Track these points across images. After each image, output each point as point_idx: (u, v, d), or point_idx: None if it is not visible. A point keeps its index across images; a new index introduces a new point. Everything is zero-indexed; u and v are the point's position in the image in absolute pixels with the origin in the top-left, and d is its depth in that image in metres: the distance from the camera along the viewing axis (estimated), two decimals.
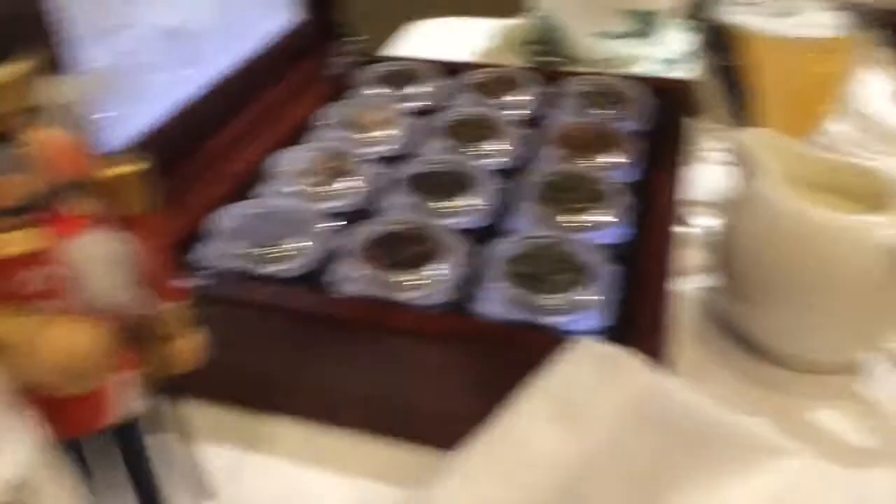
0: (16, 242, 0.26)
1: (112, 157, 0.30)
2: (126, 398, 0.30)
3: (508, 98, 0.67)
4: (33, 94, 0.25)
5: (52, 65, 0.39)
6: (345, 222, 0.52)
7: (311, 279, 0.47)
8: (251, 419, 0.48)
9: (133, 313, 0.28)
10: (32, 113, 0.25)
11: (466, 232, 0.51)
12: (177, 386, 0.34)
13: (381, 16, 0.96)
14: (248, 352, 0.46)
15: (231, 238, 0.48)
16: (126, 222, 0.30)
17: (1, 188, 0.25)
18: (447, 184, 0.54)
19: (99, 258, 0.27)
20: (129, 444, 0.32)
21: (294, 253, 0.48)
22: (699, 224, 0.60)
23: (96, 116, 0.43)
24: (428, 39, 1.03)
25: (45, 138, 0.25)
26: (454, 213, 0.52)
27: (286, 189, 0.54)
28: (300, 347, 0.45)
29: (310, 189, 0.54)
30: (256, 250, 0.47)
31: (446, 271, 0.46)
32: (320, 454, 0.46)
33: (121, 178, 0.30)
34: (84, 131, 0.29)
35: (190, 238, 0.49)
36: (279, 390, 0.47)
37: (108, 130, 0.44)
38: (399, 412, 0.46)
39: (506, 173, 0.57)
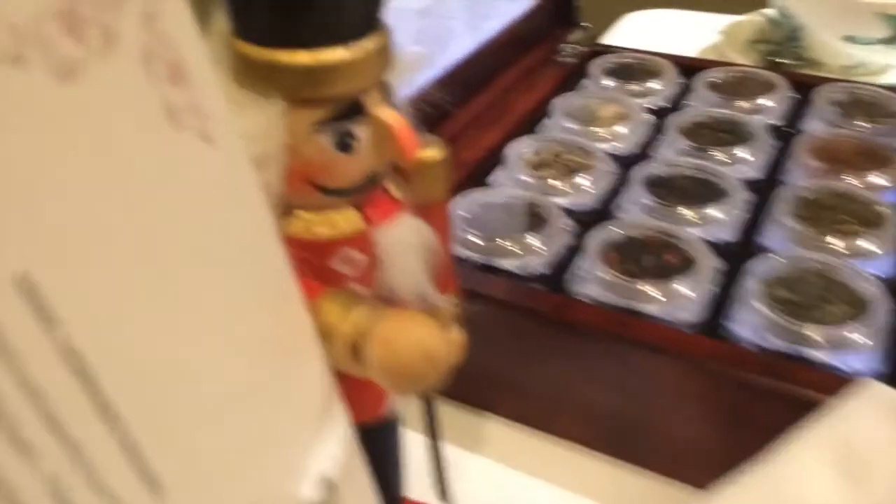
0: (341, 223, 0.25)
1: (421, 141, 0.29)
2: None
3: (753, 101, 0.61)
4: (387, 68, 0.24)
5: None
6: (581, 221, 0.49)
7: (547, 278, 0.45)
8: (470, 416, 0.47)
9: (427, 305, 0.27)
10: (382, 90, 0.24)
11: (713, 246, 0.47)
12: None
13: (601, 4, 0.92)
14: (475, 346, 0.44)
15: (466, 227, 0.46)
16: (425, 209, 0.29)
17: (346, 167, 0.24)
18: (692, 190, 0.51)
19: (409, 246, 0.26)
20: (383, 437, 0.31)
21: (532, 249, 0.46)
22: None
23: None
24: (647, 31, 0.98)
25: (388, 118, 0.24)
26: (701, 224, 0.48)
27: (521, 179, 0.52)
28: (531, 349, 0.43)
29: (544, 182, 0.51)
30: (493, 242, 0.45)
31: (697, 286, 0.43)
32: (535, 462, 0.44)
33: (430, 163, 0.28)
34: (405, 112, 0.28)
35: None
36: (503, 390, 0.45)
37: None
38: (628, 432, 0.43)
39: (754, 184, 0.52)
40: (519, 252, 0.45)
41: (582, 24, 0.72)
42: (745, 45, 0.90)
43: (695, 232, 0.47)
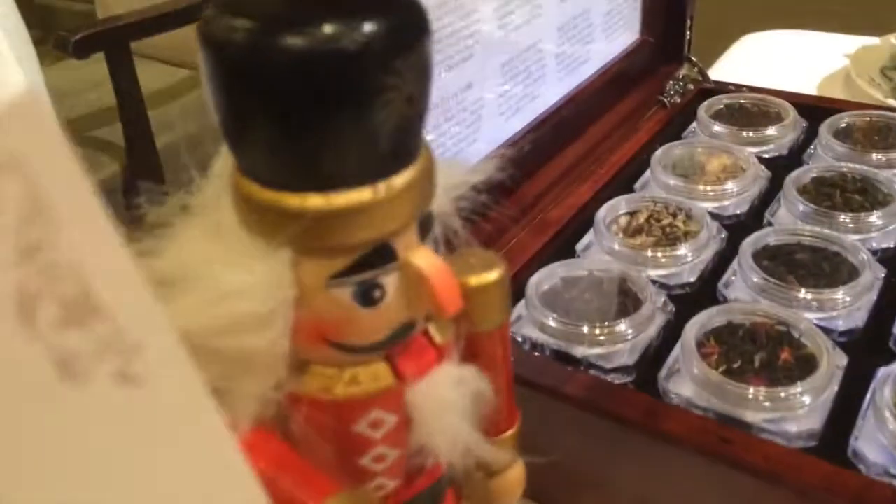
0: (367, 381, 0.21)
1: (466, 258, 0.24)
2: None
3: (892, 153, 0.53)
4: (425, 203, 0.20)
5: None
6: (679, 300, 0.43)
7: (638, 371, 0.40)
8: None
9: (470, 461, 0.23)
10: (420, 225, 0.20)
11: (838, 338, 0.40)
12: None
13: (714, 27, 0.85)
14: (550, 447, 0.39)
15: (547, 306, 0.41)
16: (477, 339, 0.24)
17: (369, 322, 0.20)
18: (813, 266, 0.44)
19: (450, 404, 0.21)
20: None
21: (619, 337, 0.40)
22: None
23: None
24: (763, 56, 0.90)
25: (423, 266, 0.19)
26: (824, 310, 0.41)
27: (614, 247, 0.46)
28: (616, 455, 0.38)
29: (640, 253, 0.46)
30: (574, 327, 0.40)
31: (816, 393, 0.36)
32: None
33: (483, 288, 0.24)
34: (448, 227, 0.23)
35: None
36: (580, 496, 0.40)
37: None
38: None
39: (891, 261, 0.45)
40: (604, 339, 0.40)
41: (691, 58, 0.65)
42: (876, 72, 0.81)
43: (815, 318, 0.41)
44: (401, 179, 0.18)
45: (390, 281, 0.19)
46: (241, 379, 0.20)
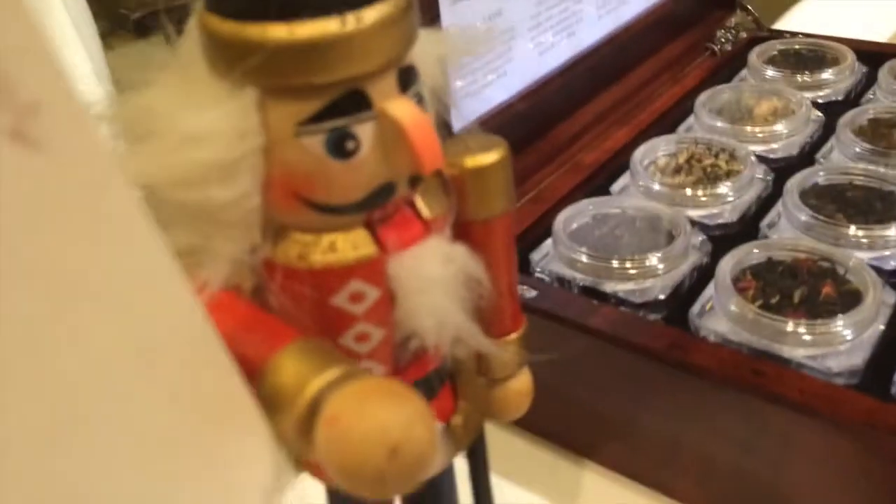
0: (346, 248, 0.19)
1: (465, 140, 0.23)
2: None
3: None
4: (402, 47, 0.18)
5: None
6: (718, 239, 0.41)
7: (666, 307, 0.38)
8: (567, 463, 0.40)
9: (463, 352, 0.21)
10: (401, 76, 0.18)
11: (888, 276, 0.37)
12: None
13: None
14: (573, 382, 0.37)
15: (576, 242, 0.40)
16: (475, 227, 0.23)
17: (344, 177, 0.18)
18: (864, 205, 0.41)
19: (435, 279, 0.20)
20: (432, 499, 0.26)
21: (651, 270, 0.38)
22: None
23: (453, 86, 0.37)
24: (826, 21, 0.85)
25: (400, 113, 0.18)
26: (874, 248, 0.39)
27: (651, 186, 0.44)
28: (641, 391, 0.36)
29: (677, 191, 0.43)
30: (604, 262, 0.38)
31: (860, 328, 0.34)
32: None
33: (479, 170, 0.22)
34: (443, 104, 0.22)
35: (528, 238, 0.42)
36: (604, 435, 0.38)
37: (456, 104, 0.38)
38: (753, 502, 0.34)
39: None
40: (634, 273, 0.38)
41: (745, 6, 0.62)
42: None
43: (864, 257, 0.38)
44: (372, 13, 0.17)
45: (365, 132, 0.18)
46: (212, 238, 0.19)
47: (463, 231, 0.22)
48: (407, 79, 0.19)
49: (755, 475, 0.33)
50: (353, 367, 0.17)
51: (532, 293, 0.37)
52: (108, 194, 0.12)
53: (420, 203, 0.21)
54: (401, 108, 0.18)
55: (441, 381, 0.23)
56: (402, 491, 0.16)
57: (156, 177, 0.18)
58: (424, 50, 0.20)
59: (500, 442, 0.34)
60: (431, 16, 0.37)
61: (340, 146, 0.18)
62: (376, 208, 0.19)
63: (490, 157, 0.22)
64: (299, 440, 0.15)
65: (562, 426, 0.39)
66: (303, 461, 0.18)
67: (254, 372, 0.17)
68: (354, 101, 0.18)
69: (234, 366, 0.15)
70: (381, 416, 0.15)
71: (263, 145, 0.18)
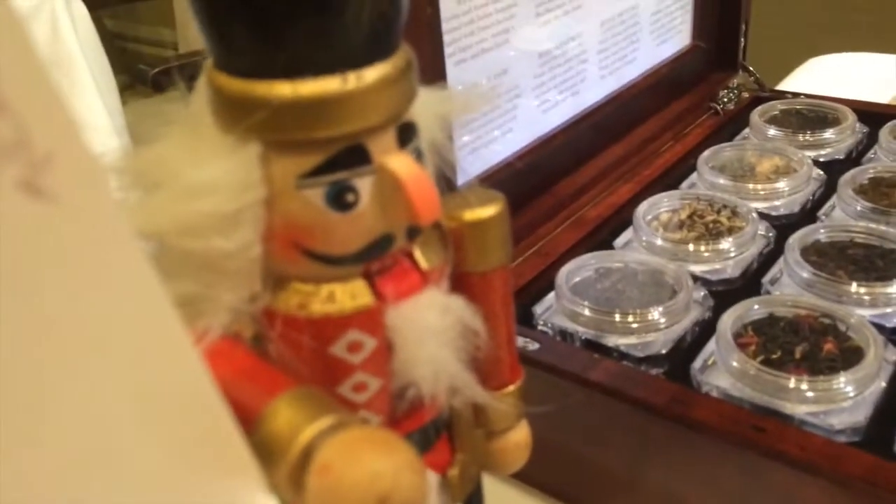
0: (344, 298, 0.20)
1: (465, 195, 0.23)
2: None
3: None
4: (401, 105, 0.19)
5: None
6: (720, 294, 0.41)
7: (670, 362, 0.38)
8: None
9: (459, 403, 0.22)
10: (401, 131, 0.19)
11: (889, 334, 0.38)
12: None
13: (779, 47, 0.82)
14: (573, 436, 0.37)
15: (577, 296, 0.40)
16: (473, 279, 0.23)
17: (343, 229, 0.19)
18: (864, 262, 0.41)
19: (432, 330, 0.20)
20: None
21: (652, 325, 0.38)
22: None
23: (455, 142, 0.38)
24: (829, 79, 0.87)
25: (398, 167, 0.18)
26: (875, 305, 0.39)
27: (653, 241, 0.44)
28: (642, 445, 0.36)
29: (680, 246, 0.44)
30: (606, 316, 0.39)
31: (861, 385, 0.34)
32: None
33: (478, 224, 0.23)
34: (444, 160, 0.23)
35: (531, 291, 0.42)
36: (603, 489, 0.38)
37: (457, 160, 0.39)
38: None
39: None
40: (636, 328, 0.38)
41: (747, 67, 0.63)
42: None
43: (866, 314, 0.38)
44: (373, 73, 0.18)
45: (365, 185, 0.19)
46: (215, 287, 0.19)
47: (461, 283, 0.23)
48: (406, 134, 0.19)
49: None
50: (345, 416, 0.17)
51: (534, 346, 0.37)
52: (114, 246, 0.12)
53: (418, 254, 0.21)
54: (399, 163, 0.19)
55: (438, 432, 0.23)
56: None
57: (162, 226, 0.18)
58: (426, 107, 0.21)
59: (498, 495, 0.34)
60: (437, 74, 0.38)
61: (340, 199, 0.18)
62: (374, 259, 0.20)
63: (488, 211, 0.23)
64: (291, 489, 0.16)
65: (561, 479, 0.39)
66: None
67: (250, 419, 0.17)
68: (354, 156, 0.18)
69: (229, 413, 0.15)
70: (370, 465, 0.15)
71: (266, 197, 0.18)
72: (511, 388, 0.25)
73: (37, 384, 0.11)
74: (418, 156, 0.20)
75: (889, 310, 0.39)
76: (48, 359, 0.12)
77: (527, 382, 0.26)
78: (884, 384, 0.35)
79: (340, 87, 0.17)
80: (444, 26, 0.39)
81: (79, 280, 0.12)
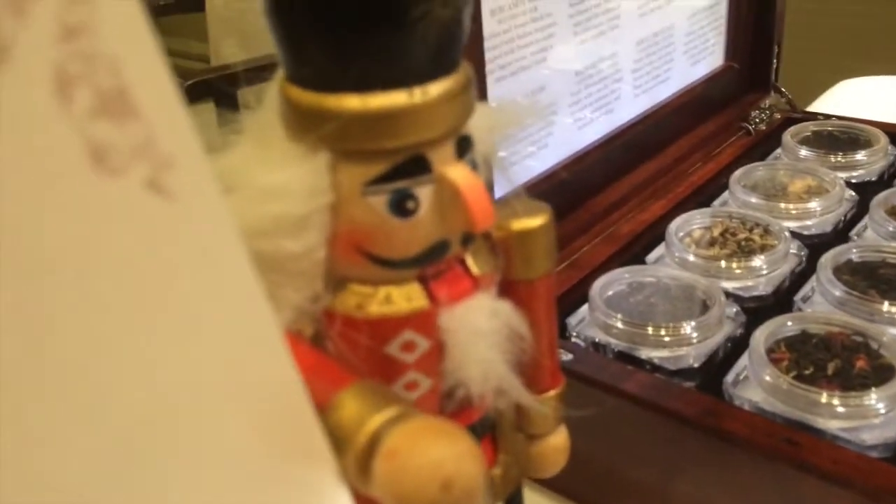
0: (400, 300, 0.21)
1: (513, 205, 0.24)
2: None
3: None
4: (461, 118, 0.20)
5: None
6: (753, 311, 0.42)
7: (702, 376, 0.39)
8: None
9: (504, 404, 0.23)
10: (458, 144, 0.20)
11: None
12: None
13: (811, 69, 0.83)
14: (606, 448, 0.38)
15: (612, 308, 0.41)
16: (519, 286, 0.24)
17: (404, 234, 0.20)
18: (885, 278, 0.42)
19: (482, 332, 0.21)
20: None
21: (685, 339, 0.39)
22: None
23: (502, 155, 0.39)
24: (860, 102, 0.87)
25: (457, 177, 0.20)
26: None
27: (686, 257, 0.45)
28: (674, 457, 0.36)
29: (712, 262, 0.45)
30: (639, 329, 0.39)
31: (893, 402, 0.34)
32: None
33: (525, 234, 0.24)
34: (495, 171, 0.24)
35: (565, 303, 0.43)
36: (638, 500, 0.39)
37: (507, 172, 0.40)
38: None
39: None
40: (669, 341, 0.39)
41: (779, 88, 0.64)
42: None
43: None
44: (437, 87, 0.19)
45: (425, 194, 0.20)
46: (281, 287, 0.20)
47: (508, 290, 0.24)
48: (464, 146, 0.20)
49: None
50: (409, 408, 0.18)
51: (568, 356, 0.38)
52: (222, 242, 0.14)
53: (470, 261, 0.22)
54: (458, 173, 0.20)
55: (483, 432, 0.24)
56: None
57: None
58: (478, 121, 0.22)
59: (534, 502, 0.34)
60: (479, 90, 0.40)
61: (402, 206, 0.20)
62: (431, 264, 0.21)
63: (535, 222, 0.24)
64: (358, 475, 0.17)
65: (595, 491, 0.40)
66: (357, 498, 0.20)
67: (318, 408, 0.18)
68: (416, 165, 0.19)
69: (310, 402, 0.16)
70: (435, 452, 0.16)
71: (332, 203, 0.19)
72: (552, 393, 0.26)
73: (148, 361, 0.13)
74: (474, 166, 0.21)
75: None
76: (160, 338, 0.13)
77: (565, 388, 0.27)
78: None
79: (407, 100, 0.19)
80: (486, 44, 0.40)
81: (189, 270, 0.13)
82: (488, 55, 0.41)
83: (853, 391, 0.35)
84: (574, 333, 0.41)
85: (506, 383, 0.22)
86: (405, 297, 0.21)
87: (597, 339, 0.40)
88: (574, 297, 0.43)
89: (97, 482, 0.13)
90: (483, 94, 0.40)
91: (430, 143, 0.19)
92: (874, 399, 0.34)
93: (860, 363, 0.36)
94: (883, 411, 0.34)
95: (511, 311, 0.22)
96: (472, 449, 0.16)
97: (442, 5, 0.18)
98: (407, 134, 0.19)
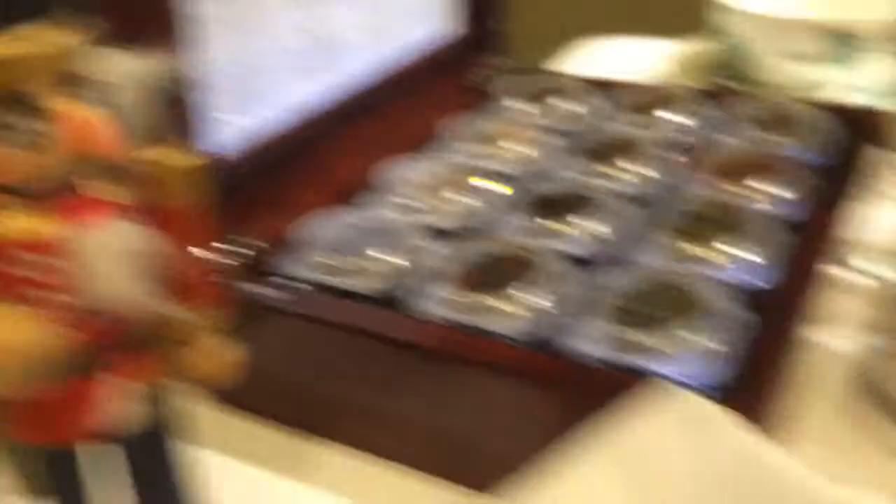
0: (12, 224, 0.24)
1: (160, 146, 0.28)
2: (120, 406, 0.28)
3: (663, 118, 0.60)
4: (73, 65, 0.23)
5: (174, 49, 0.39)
6: (445, 240, 0.48)
7: (395, 299, 0.44)
8: (298, 442, 0.44)
9: (145, 316, 0.26)
10: (69, 85, 0.24)
11: (581, 261, 0.45)
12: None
13: (546, 33, 0.91)
14: (305, 368, 0.43)
15: (319, 248, 0.45)
16: (160, 215, 0.28)
17: (3, 162, 0.23)
18: (565, 204, 0.49)
19: (112, 252, 0.24)
20: (141, 458, 0.30)
21: (379, 268, 0.44)
22: (868, 271, 0.50)
23: (205, 114, 0.42)
24: (594, 59, 0.96)
25: (69, 112, 0.23)
26: (566, 237, 0.46)
27: (394, 201, 0.50)
28: (362, 370, 0.41)
29: (418, 203, 0.50)
30: (339, 261, 0.44)
31: (540, 299, 0.41)
32: (362, 488, 0.41)
33: (160, 167, 0.27)
34: (136, 115, 0.27)
35: (279, 244, 0.47)
36: (332, 413, 0.43)
37: (218, 130, 0.44)
38: (458, 452, 0.40)
39: (644, 200, 0.50)
40: (365, 271, 0.44)
41: (508, 54, 0.70)
42: (696, 70, 0.89)
43: (559, 246, 0.45)
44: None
45: (41, 127, 0.23)
46: None
47: (153, 216, 0.27)
48: (76, 83, 0.24)
49: (451, 431, 0.40)
50: None
51: (273, 293, 0.42)
52: None
53: (107, 189, 0.26)
54: (69, 109, 0.23)
55: (131, 346, 0.28)
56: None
57: None
58: (130, 72, 0.25)
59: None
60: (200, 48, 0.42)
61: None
62: (52, 192, 0.24)
63: (169, 157, 0.27)
64: None
65: (288, 409, 0.44)
66: None
67: None
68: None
69: None
70: None
71: None
72: (202, 304, 0.30)
73: None
74: (107, 106, 0.24)
75: (571, 245, 0.46)
76: None
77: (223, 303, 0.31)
78: (557, 297, 0.41)
79: None
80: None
81: None
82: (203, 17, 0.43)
83: (504, 292, 0.41)
84: (281, 274, 0.45)
85: (134, 298, 0.26)
86: (23, 223, 0.24)
87: (303, 276, 0.44)
88: (284, 241, 0.47)
89: None
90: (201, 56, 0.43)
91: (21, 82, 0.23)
92: (519, 300, 0.40)
93: (514, 272, 0.42)
94: (536, 306, 0.40)
95: (138, 233, 0.26)
96: (25, 324, 0.20)
97: None
98: None
